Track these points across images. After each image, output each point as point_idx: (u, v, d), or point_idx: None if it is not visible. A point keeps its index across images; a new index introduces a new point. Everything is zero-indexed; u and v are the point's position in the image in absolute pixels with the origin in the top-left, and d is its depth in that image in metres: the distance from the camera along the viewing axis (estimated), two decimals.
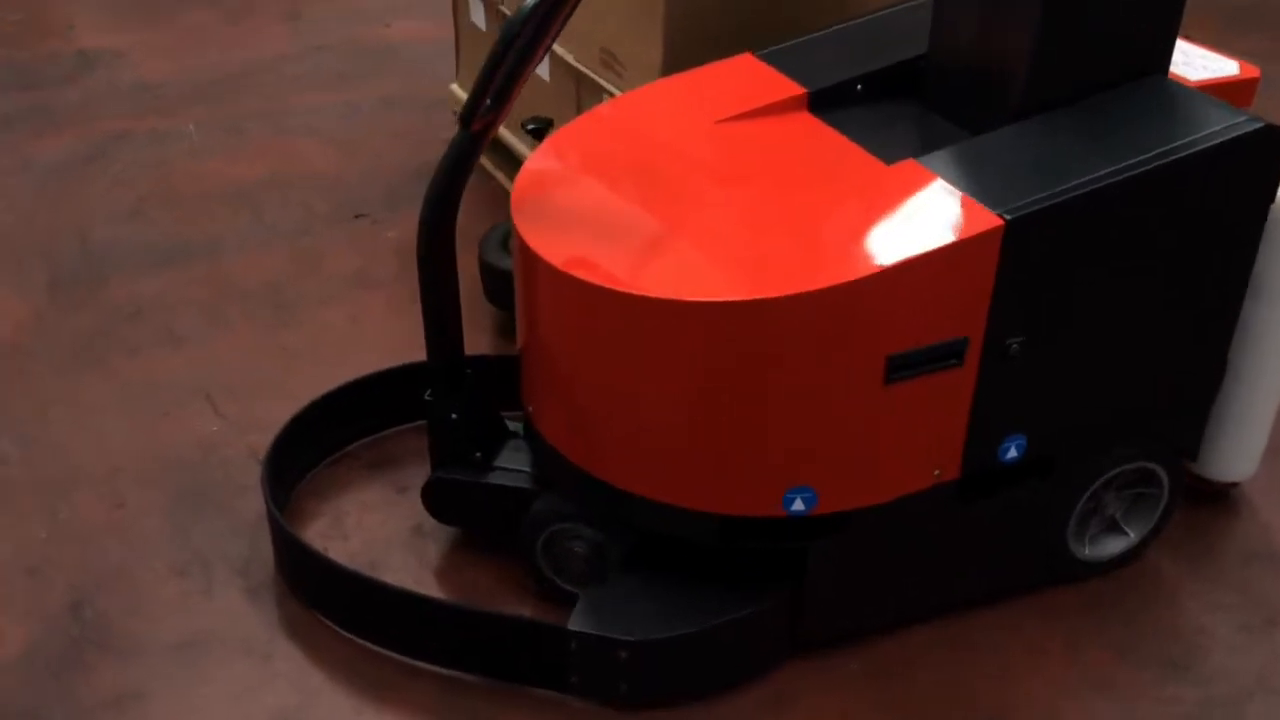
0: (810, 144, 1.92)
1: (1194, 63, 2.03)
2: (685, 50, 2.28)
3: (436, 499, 2.05)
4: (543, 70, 2.75)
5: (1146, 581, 2.07)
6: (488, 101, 1.71)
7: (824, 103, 1.99)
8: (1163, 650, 1.95)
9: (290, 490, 2.20)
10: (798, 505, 1.74)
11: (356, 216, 3.05)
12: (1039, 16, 1.76)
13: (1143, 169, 1.70)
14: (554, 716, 1.85)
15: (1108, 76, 1.84)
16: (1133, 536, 2.05)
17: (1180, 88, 1.88)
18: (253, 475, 2.19)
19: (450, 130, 1.74)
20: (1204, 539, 2.15)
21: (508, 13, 2.90)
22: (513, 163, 3.00)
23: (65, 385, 2.50)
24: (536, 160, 1.94)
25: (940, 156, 1.78)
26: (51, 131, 3.43)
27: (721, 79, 2.07)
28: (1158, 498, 2.04)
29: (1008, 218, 1.64)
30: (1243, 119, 1.76)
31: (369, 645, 1.94)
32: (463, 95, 3.24)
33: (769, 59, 2.08)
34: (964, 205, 1.68)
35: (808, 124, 1.96)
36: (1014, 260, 1.66)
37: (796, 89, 1.99)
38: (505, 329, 2.60)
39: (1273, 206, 1.85)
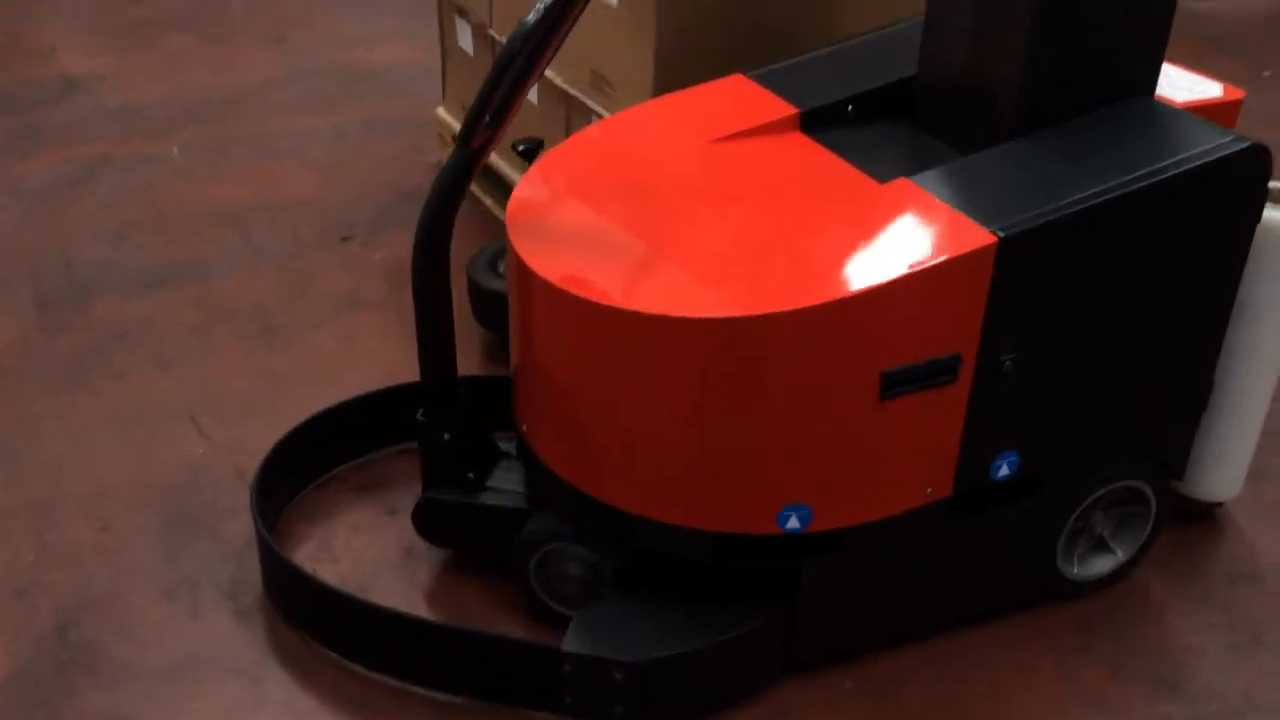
0: (803, 163, 1.93)
1: (1179, 85, 2.06)
2: (676, 72, 2.30)
3: (428, 520, 2.04)
4: (531, 93, 2.76)
5: (1134, 600, 2.08)
6: (487, 118, 1.72)
7: (815, 123, 2.01)
8: (1152, 668, 1.96)
9: (278, 512, 2.19)
10: (793, 523, 1.75)
11: (344, 239, 3.05)
12: (1029, 39, 1.78)
13: (1133, 187, 1.72)
14: None
15: (1096, 97, 1.86)
16: (1121, 555, 2.07)
17: (1167, 108, 1.90)
18: (240, 497, 2.18)
19: (435, 154, 1.75)
20: (1190, 558, 2.17)
21: (496, 36, 2.92)
22: (500, 187, 3.01)
23: (52, 406, 2.49)
24: (531, 179, 1.95)
25: (932, 175, 1.80)
26: (36, 154, 3.42)
27: (714, 99, 2.09)
28: (1145, 516, 2.05)
29: (1001, 235, 1.66)
30: (1230, 138, 1.78)
31: (360, 669, 1.93)
32: (449, 119, 3.25)
33: (760, 80, 2.10)
34: (957, 223, 1.70)
35: (800, 143, 1.97)
36: (1007, 277, 1.68)
37: (788, 109, 2.01)
38: (492, 350, 2.60)
39: (1258, 226, 1.87)
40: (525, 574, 1.96)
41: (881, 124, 2.03)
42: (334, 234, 3.07)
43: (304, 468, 2.26)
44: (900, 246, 1.69)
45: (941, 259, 1.64)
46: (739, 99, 2.07)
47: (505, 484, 2.01)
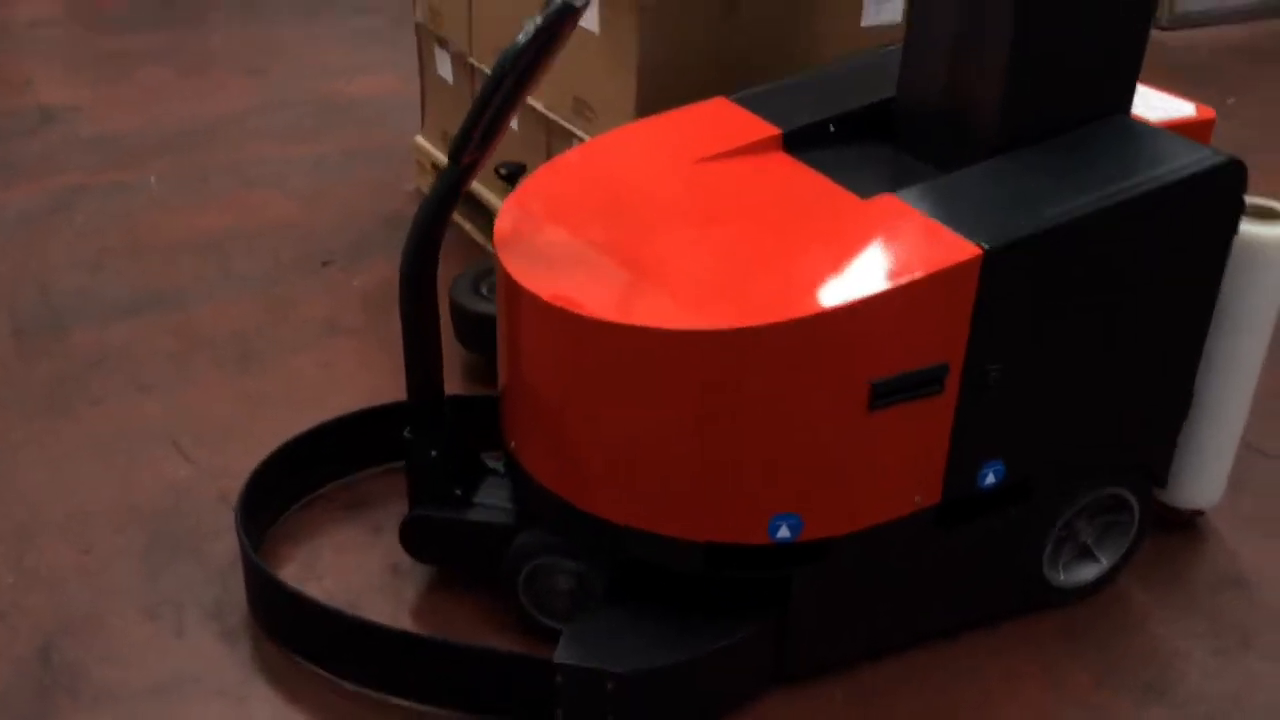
0: (787, 181, 1.96)
1: (1153, 105, 2.11)
2: (658, 98, 2.32)
3: (416, 537, 2.04)
4: (513, 120, 2.78)
5: (1119, 608, 2.10)
6: (476, 137, 1.74)
7: (798, 143, 2.03)
8: (1139, 674, 1.98)
9: (263, 532, 2.18)
10: (783, 532, 1.76)
11: (324, 264, 3.05)
12: (1009, 61, 1.82)
13: (1115, 200, 1.75)
14: None
15: (1074, 116, 1.90)
16: (1105, 563, 2.09)
17: (1145, 126, 1.95)
18: (223, 520, 2.17)
19: (414, 181, 1.76)
20: (1172, 566, 2.19)
21: (476, 65, 2.94)
22: (481, 213, 3.02)
23: (31, 434, 2.47)
24: (518, 197, 1.97)
25: (916, 191, 1.83)
26: (13, 184, 3.41)
27: (697, 120, 2.11)
28: (1129, 524, 2.08)
29: (986, 247, 1.68)
30: (1208, 153, 1.82)
31: (347, 686, 1.92)
32: (428, 147, 3.27)
33: (743, 102, 2.13)
34: (943, 236, 1.72)
35: (783, 162, 2.00)
36: (992, 289, 1.70)
37: (771, 129, 2.04)
38: (474, 371, 2.60)
39: (1236, 239, 1.91)
40: (514, 588, 1.96)
41: (863, 144, 2.06)
42: (313, 260, 3.08)
43: (289, 487, 2.25)
44: (887, 259, 1.72)
45: (928, 271, 1.67)
46: (721, 120, 2.10)
47: (492, 500, 2.01)
